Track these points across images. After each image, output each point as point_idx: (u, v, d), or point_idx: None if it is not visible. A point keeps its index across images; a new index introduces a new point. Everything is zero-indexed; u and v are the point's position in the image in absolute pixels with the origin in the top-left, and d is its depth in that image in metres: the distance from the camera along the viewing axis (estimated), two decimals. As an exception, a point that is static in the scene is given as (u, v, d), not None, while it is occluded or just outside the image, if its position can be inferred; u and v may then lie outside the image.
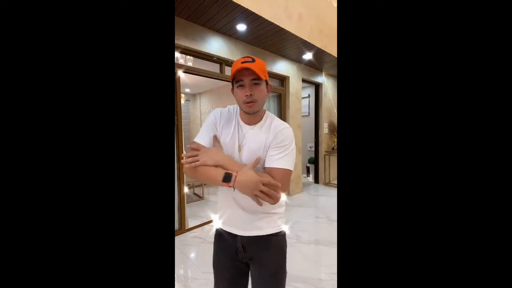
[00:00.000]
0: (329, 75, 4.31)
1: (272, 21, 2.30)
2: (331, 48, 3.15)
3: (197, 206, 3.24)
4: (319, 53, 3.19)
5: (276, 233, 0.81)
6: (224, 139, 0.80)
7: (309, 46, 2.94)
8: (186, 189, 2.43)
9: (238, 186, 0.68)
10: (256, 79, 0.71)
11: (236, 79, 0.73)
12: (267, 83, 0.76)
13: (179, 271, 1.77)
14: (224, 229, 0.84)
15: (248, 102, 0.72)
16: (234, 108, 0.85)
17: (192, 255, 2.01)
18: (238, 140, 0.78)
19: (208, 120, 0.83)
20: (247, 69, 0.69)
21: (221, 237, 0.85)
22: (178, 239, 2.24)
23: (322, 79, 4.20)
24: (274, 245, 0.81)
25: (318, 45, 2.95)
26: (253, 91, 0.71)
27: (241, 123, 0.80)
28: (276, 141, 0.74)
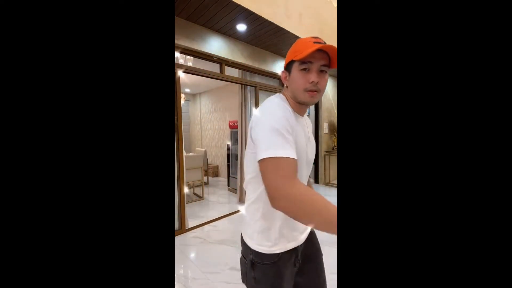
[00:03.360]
0: (329, 75, 4.31)
1: (272, 21, 2.30)
2: (331, 48, 3.15)
3: (197, 206, 3.25)
4: (319, 53, 3.19)
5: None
6: (301, 140, 0.64)
7: (309, 46, 2.94)
8: (186, 189, 2.43)
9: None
10: (327, 65, 0.59)
11: (303, 61, 0.58)
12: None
13: (179, 271, 1.77)
14: (283, 250, 0.66)
15: (311, 91, 0.60)
16: (282, 98, 0.66)
17: (192, 255, 2.01)
18: (305, 136, 0.67)
19: (278, 121, 0.56)
20: (321, 51, 0.56)
21: (281, 261, 0.66)
22: (178, 239, 2.24)
23: (322, 79, 4.19)
24: (318, 242, 0.82)
25: (318, 45, 2.95)
26: (320, 78, 0.59)
27: (297, 115, 0.67)
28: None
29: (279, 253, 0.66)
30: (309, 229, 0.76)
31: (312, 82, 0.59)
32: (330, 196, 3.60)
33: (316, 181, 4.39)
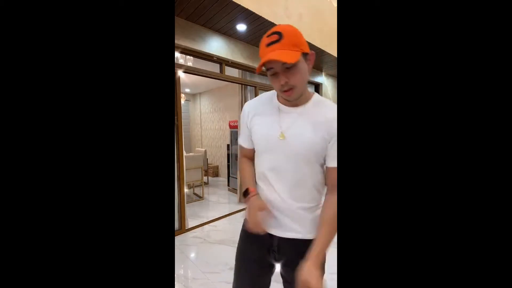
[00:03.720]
0: (329, 75, 4.31)
1: (272, 21, 2.30)
2: (331, 48, 3.15)
3: (197, 206, 3.25)
4: (319, 53, 3.19)
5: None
6: (261, 129, 0.70)
7: (309, 46, 2.94)
8: (186, 189, 2.43)
9: (247, 207, 0.69)
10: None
11: (266, 67, 0.60)
12: (306, 55, 0.61)
13: (179, 271, 1.77)
14: None
15: (285, 91, 0.61)
16: (273, 92, 0.73)
17: (192, 255, 2.01)
18: (281, 127, 0.67)
19: (241, 116, 0.77)
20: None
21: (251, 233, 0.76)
22: (178, 239, 2.24)
23: (322, 79, 4.20)
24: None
25: (318, 45, 2.95)
26: (288, 77, 0.59)
27: (282, 106, 0.68)
28: (334, 135, 0.63)
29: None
30: (286, 229, 0.72)
31: (282, 84, 0.60)
32: (330, 196, 3.59)
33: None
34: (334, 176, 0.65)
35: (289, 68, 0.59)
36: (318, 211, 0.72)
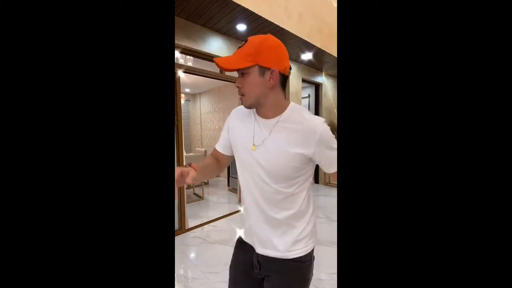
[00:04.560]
0: (329, 75, 4.31)
1: (272, 21, 2.30)
2: (331, 48, 3.15)
3: (197, 206, 3.25)
4: (319, 53, 3.19)
5: (298, 257, 0.66)
6: (237, 139, 0.70)
7: (309, 46, 2.94)
8: (186, 189, 2.43)
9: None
10: (241, 69, 0.59)
11: None
12: (265, 69, 0.58)
13: (179, 271, 1.77)
14: (244, 239, 0.76)
15: (240, 94, 0.63)
16: None
17: (192, 255, 2.01)
18: (253, 138, 0.66)
19: (226, 121, 0.77)
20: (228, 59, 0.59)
21: (241, 245, 0.77)
22: (178, 239, 2.24)
23: (322, 79, 4.20)
24: (296, 272, 0.67)
25: (318, 45, 2.95)
26: (241, 83, 0.61)
27: (257, 117, 0.67)
28: (323, 145, 0.61)
29: (240, 236, 0.79)
30: (262, 245, 0.70)
31: (236, 87, 0.62)
32: (330, 196, 3.60)
33: (316, 181, 4.39)
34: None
35: (243, 74, 0.60)
36: (295, 230, 0.66)
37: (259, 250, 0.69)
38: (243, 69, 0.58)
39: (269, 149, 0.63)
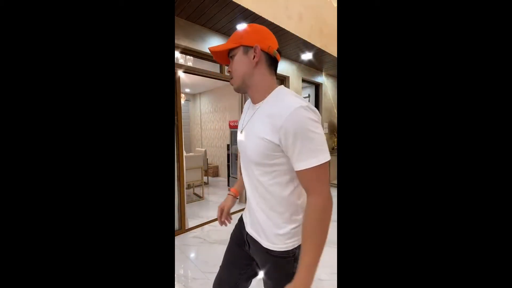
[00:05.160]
0: (329, 75, 4.31)
1: (272, 21, 2.29)
2: (331, 48, 3.15)
3: (197, 206, 3.24)
4: (319, 53, 3.19)
5: (278, 251, 0.64)
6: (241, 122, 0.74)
7: (309, 46, 2.94)
8: (186, 189, 2.43)
9: None
10: (229, 52, 0.64)
11: None
12: (248, 47, 0.60)
13: (179, 271, 1.77)
14: (242, 216, 0.80)
15: (230, 79, 0.67)
16: None
17: (192, 255, 2.01)
18: (243, 122, 0.69)
19: None
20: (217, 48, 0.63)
21: (239, 221, 0.81)
22: (178, 239, 2.24)
23: (322, 79, 4.19)
24: (276, 265, 0.66)
25: (318, 45, 2.95)
26: (230, 66, 0.65)
27: (249, 103, 0.72)
28: (289, 132, 0.52)
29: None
30: (250, 225, 0.72)
31: (228, 72, 0.66)
32: (330, 196, 3.59)
33: (316, 181, 4.38)
34: (306, 178, 0.55)
35: (231, 57, 0.64)
36: (275, 226, 0.64)
37: (248, 229, 0.73)
38: (231, 51, 0.63)
39: (248, 133, 0.65)
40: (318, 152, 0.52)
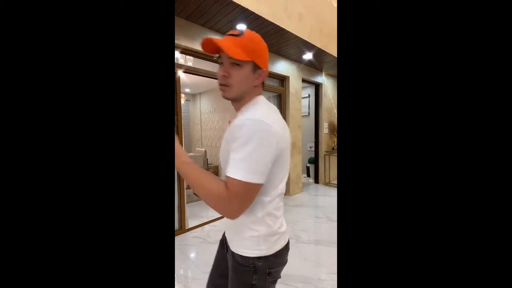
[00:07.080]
0: (329, 75, 4.31)
1: (272, 21, 2.29)
2: (331, 48, 3.15)
3: (197, 206, 3.24)
4: (319, 53, 3.19)
5: (241, 256, 0.61)
6: None
7: (309, 46, 2.94)
8: (186, 189, 2.43)
9: None
10: (237, 60, 0.56)
11: (218, 54, 0.59)
12: (258, 67, 0.58)
13: (179, 271, 1.77)
14: None
15: (222, 84, 0.59)
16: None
17: (192, 255, 2.01)
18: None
19: None
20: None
21: None
22: (178, 239, 2.24)
23: (322, 79, 4.19)
24: (237, 272, 0.62)
25: (318, 45, 2.95)
26: (230, 73, 0.58)
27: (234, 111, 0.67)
28: (232, 139, 0.53)
29: None
30: (228, 232, 0.70)
31: (223, 76, 0.58)
32: (330, 196, 3.60)
33: (316, 181, 4.39)
34: (230, 186, 0.50)
35: (233, 64, 0.57)
36: (238, 231, 0.62)
37: (226, 230, 0.72)
38: (239, 60, 0.56)
39: (223, 144, 0.62)
40: (246, 168, 0.49)
